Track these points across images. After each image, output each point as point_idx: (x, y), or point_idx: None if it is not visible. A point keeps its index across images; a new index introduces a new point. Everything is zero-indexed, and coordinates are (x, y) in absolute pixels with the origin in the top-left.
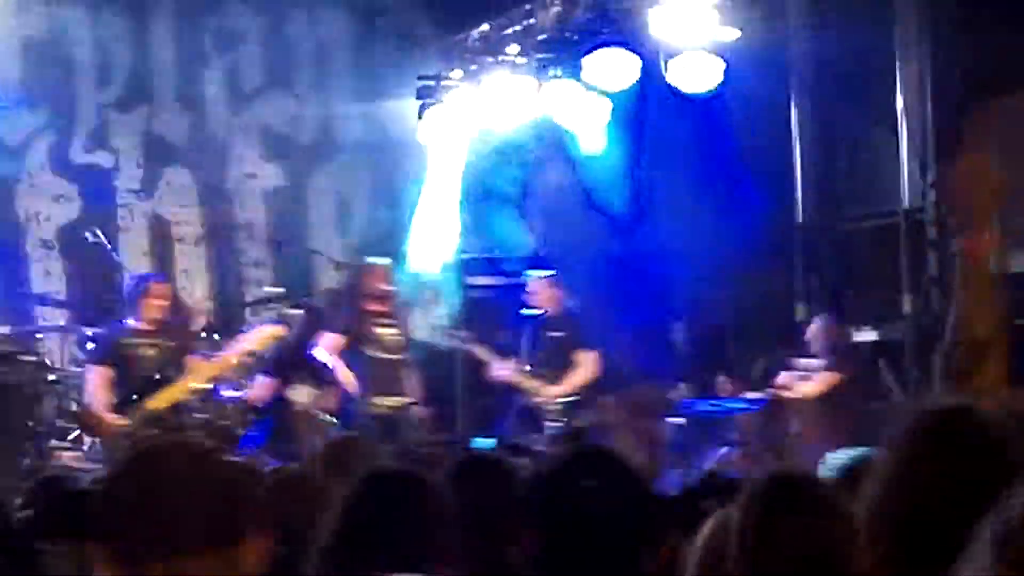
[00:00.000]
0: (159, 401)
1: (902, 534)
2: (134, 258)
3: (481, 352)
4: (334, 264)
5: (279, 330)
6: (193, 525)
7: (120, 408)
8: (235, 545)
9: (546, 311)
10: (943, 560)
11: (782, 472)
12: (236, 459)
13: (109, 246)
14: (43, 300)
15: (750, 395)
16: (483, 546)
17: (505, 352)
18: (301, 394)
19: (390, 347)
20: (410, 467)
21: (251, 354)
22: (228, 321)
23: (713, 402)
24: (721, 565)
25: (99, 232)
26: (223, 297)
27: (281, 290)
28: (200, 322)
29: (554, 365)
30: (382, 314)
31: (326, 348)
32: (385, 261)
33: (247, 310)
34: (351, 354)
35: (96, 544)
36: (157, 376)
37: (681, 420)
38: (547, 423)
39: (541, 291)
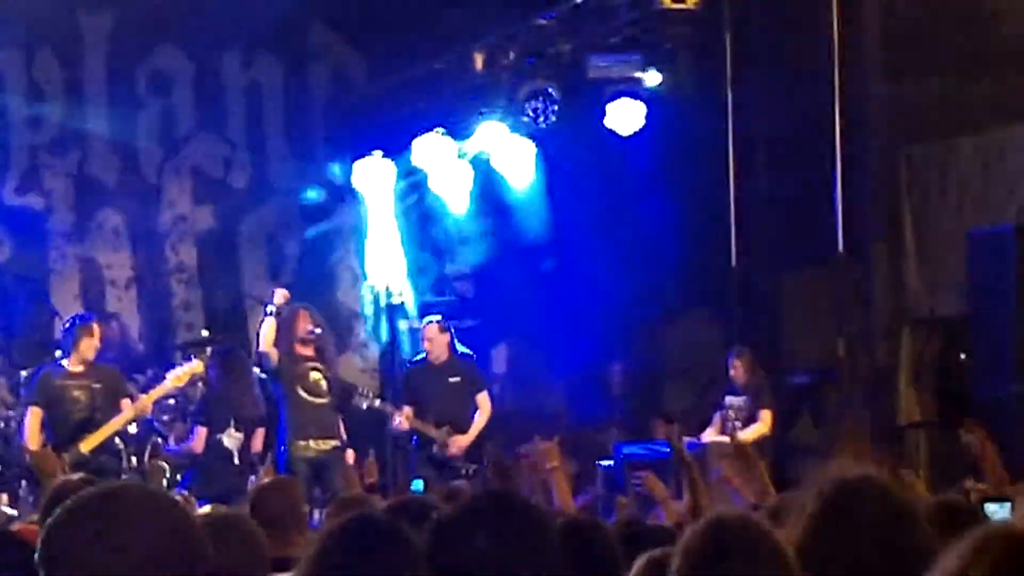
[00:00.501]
0: (90, 443)
1: None
2: (65, 301)
3: (384, 407)
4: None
5: (198, 366)
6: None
7: (56, 450)
8: None
9: (440, 356)
10: None
11: (721, 516)
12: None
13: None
14: None
15: (687, 439)
16: None
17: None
18: (232, 439)
19: (318, 390)
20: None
21: (170, 394)
22: (158, 364)
23: (646, 446)
24: None
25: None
26: (154, 340)
27: (209, 334)
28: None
29: (456, 409)
30: (311, 357)
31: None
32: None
33: (178, 353)
34: (282, 396)
35: None
36: (87, 417)
37: (610, 463)
38: (459, 466)
39: (433, 337)
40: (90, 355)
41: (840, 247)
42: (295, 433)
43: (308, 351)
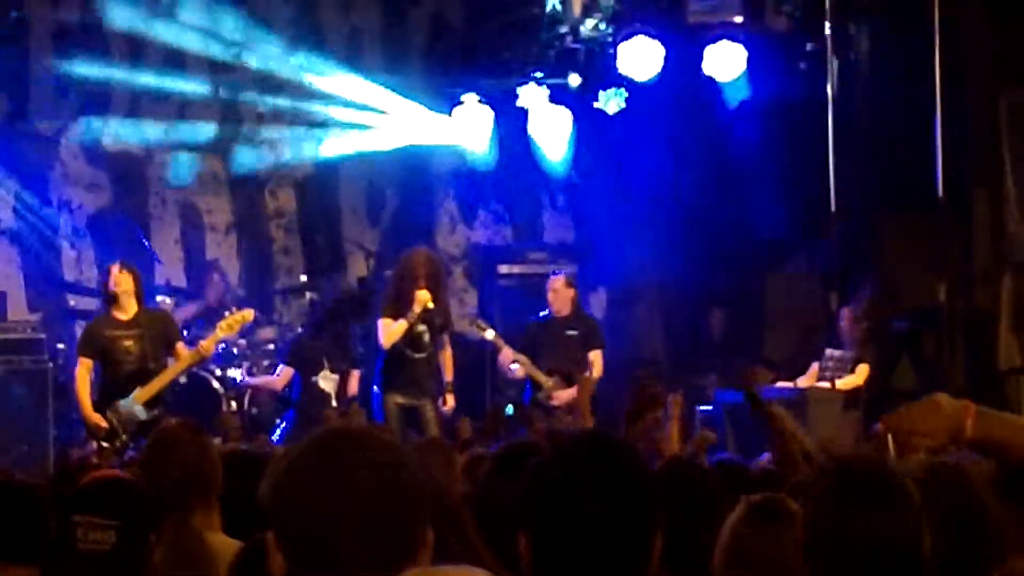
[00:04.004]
0: (144, 394)
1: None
2: (166, 246)
3: (498, 341)
4: (365, 253)
5: (248, 314)
6: (384, 532)
7: (110, 400)
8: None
9: (562, 310)
10: None
11: (852, 462)
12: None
13: (141, 233)
14: (75, 288)
15: (782, 385)
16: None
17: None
18: (328, 381)
19: (419, 344)
20: None
21: (224, 339)
22: (259, 309)
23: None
24: (747, 555)
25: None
26: (254, 285)
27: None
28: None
29: (569, 363)
30: (424, 309)
31: (382, 334)
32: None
33: (278, 298)
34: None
35: (275, 536)
36: (140, 368)
37: (710, 408)
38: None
39: (558, 290)
40: (127, 301)
41: (940, 192)
42: (387, 383)
43: (425, 298)
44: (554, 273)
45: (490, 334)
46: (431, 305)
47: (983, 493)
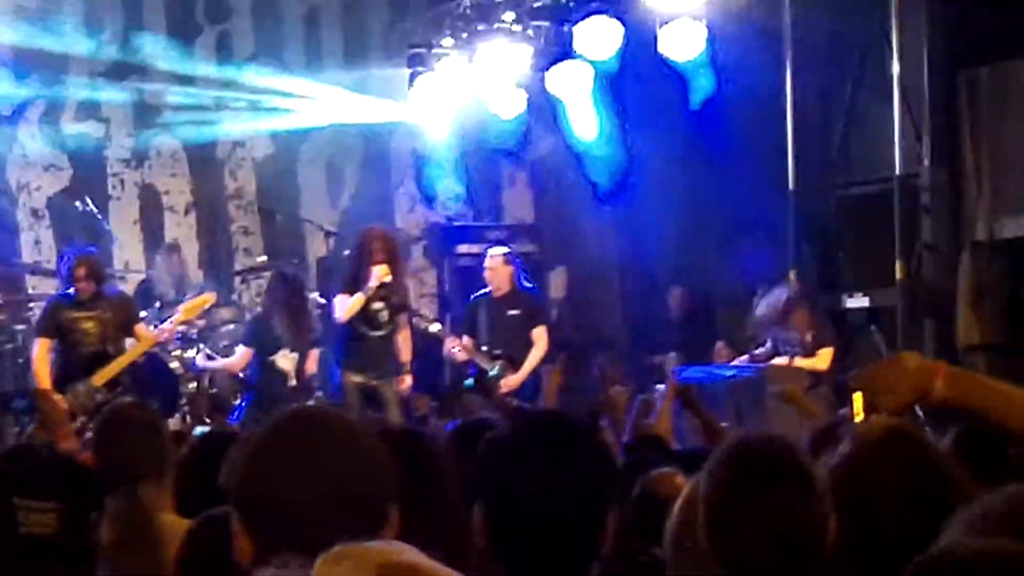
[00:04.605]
0: (102, 376)
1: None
2: (125, 227)
3: (441, 332)
4: (324, 233)
5: (210, 298)
6: (351, 512)
7: (67, 383)
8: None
9: (501, 287)
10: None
11: (753, 438)
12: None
13: (99, 214)
14: (34, 270)
15: (740, 362)
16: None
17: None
18: (287, 360)
19: (378, 322)
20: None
21: (184, 323)
22: (217, 290)
23: (705, 369)
24: (695, 537)
25: (89, 200)
26: (213, 266)
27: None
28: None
29: (513, 343)
30: (380, 285)
31: (339, 309)
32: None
33: (236, 279)
34: (341, 326)
35: (237, 515)
36: (99, 350)
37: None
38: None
39: (496, 268)
40: (84, 287)
41: (898, 170)
42: (346, 362)
43: (382, 275)
44: (490, 248)
45: (435, 327)
46: (388, 279)
47: (940, 455)
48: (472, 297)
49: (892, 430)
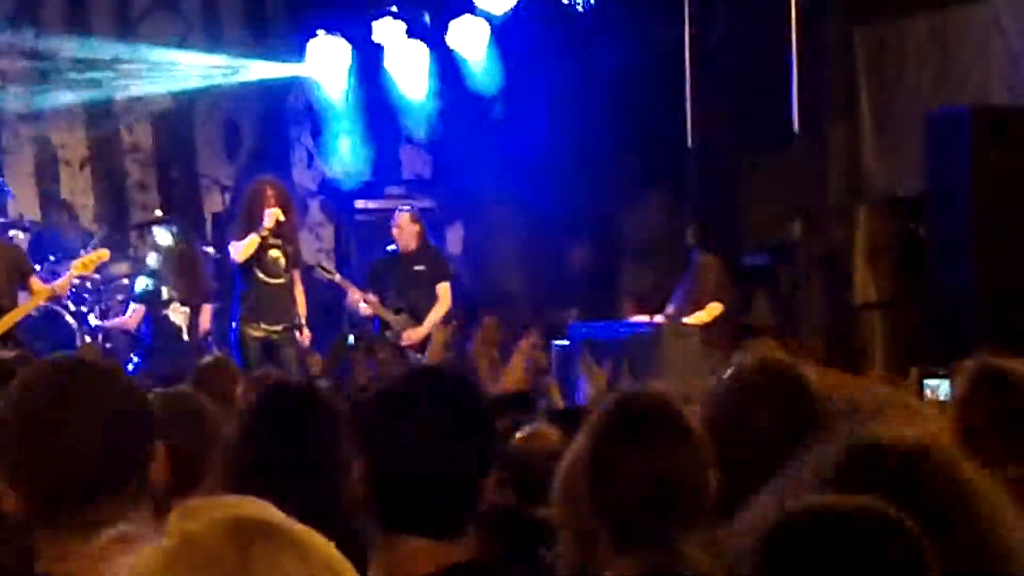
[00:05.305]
0: None
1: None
2: (19, 180)
3: (344, 282)
4: (221, 188)
5: (104, 253)
6: (113, 461)
7: None
8: (144, 477)
9: (408, 245)
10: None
11: (631, 393)
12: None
13: None
14: None
15: (637, 319)
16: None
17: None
18: (179, 315)
19: (275, 270)
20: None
21: (79, 277)
22: (113, 245)
23: (605, 326)
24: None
25: None
26: (109, 220)
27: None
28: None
29: (418, 300)
30: (271, 232)
31: (234, 251)
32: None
33: (133, 233)
34: (237, 274)
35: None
36: None
37: (566, 343)
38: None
39: (403, 226)
40: None
41: (796, 127)
42: (246, 314)
43: (272, 225)
44: (399, 209)
45: (337, 277)
46: (282, 218)
47: (812, 385)
48: (379, 255)
49: (768, 361)
